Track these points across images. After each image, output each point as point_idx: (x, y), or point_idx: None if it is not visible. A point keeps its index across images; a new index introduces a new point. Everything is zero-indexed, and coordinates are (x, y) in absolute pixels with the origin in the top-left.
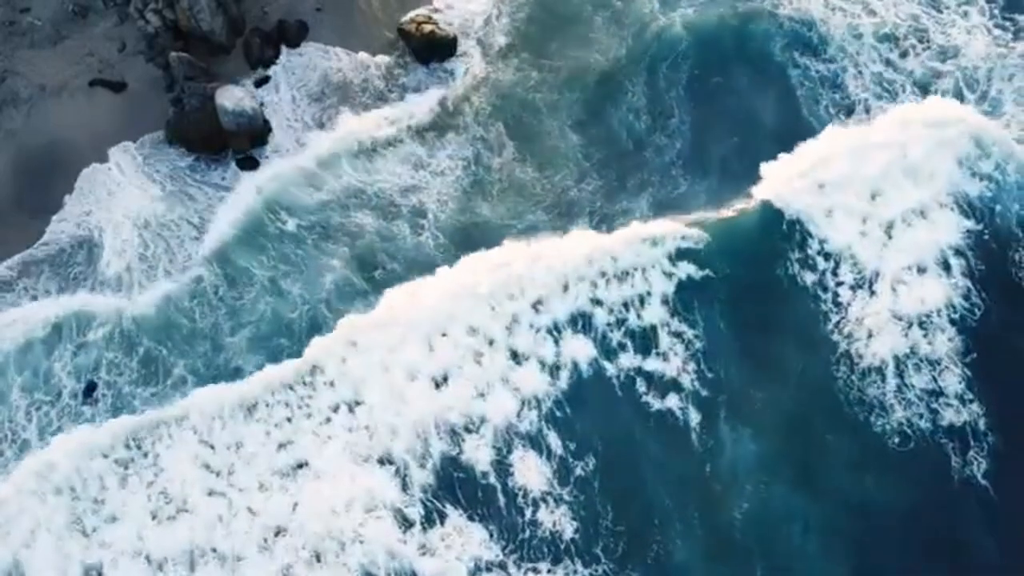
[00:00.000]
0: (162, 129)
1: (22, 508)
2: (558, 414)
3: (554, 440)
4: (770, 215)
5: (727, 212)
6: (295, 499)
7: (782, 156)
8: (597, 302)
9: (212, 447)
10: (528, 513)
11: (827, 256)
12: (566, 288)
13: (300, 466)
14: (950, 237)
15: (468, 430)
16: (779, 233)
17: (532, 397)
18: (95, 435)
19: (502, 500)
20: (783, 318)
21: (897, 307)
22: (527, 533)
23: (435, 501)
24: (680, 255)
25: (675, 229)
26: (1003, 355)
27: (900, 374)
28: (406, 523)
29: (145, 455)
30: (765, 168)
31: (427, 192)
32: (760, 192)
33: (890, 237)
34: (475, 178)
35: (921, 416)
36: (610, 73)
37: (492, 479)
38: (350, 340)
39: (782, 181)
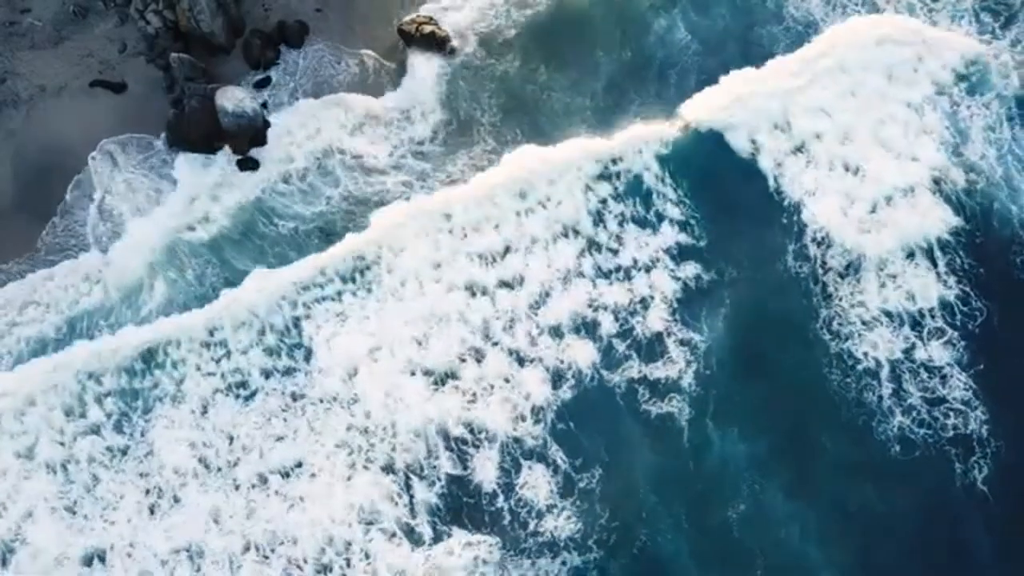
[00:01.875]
0: (162, 130)
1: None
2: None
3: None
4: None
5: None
6: (292, 502)
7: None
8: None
9: (207, 441)
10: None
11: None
12: None
13: (298, 465)
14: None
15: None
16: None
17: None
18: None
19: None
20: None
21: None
22: (530, 542)
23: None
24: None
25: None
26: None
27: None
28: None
29: (138, 443)
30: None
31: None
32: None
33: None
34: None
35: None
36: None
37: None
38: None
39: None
